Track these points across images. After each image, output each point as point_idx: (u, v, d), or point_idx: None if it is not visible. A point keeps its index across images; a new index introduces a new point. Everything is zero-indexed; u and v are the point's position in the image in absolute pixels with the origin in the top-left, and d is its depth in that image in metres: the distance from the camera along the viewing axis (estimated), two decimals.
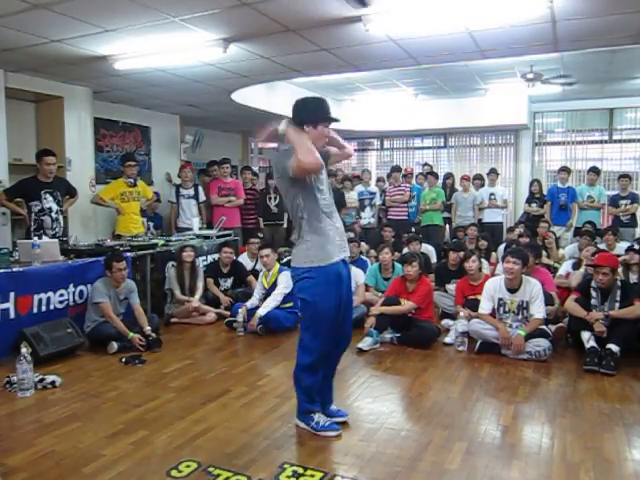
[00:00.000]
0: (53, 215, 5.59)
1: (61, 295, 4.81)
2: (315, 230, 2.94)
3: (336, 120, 2.99)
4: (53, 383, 3.81)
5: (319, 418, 3.04)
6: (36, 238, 5.01)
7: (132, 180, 6.53)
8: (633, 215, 7.68)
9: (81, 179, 6.47)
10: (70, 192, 5.90)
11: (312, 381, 3.04)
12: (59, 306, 4.79)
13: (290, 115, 2.93)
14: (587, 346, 4.22)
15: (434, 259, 6.96)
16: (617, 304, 4.38)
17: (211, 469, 2.64)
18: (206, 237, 6.77)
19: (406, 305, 4.85)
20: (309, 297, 2.95)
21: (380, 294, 5.43)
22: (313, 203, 2.93)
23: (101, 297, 4.74)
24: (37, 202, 5.48)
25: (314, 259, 2.92)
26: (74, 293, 4.93)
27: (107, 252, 5.17)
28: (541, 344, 4.34)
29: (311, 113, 2.91)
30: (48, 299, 4.70)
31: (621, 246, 6.23)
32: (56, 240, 5.22)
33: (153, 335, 4.75)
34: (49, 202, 5.56)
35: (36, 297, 4.60)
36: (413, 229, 8.38)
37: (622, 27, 4.58)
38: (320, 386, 3.10)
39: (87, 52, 5.13)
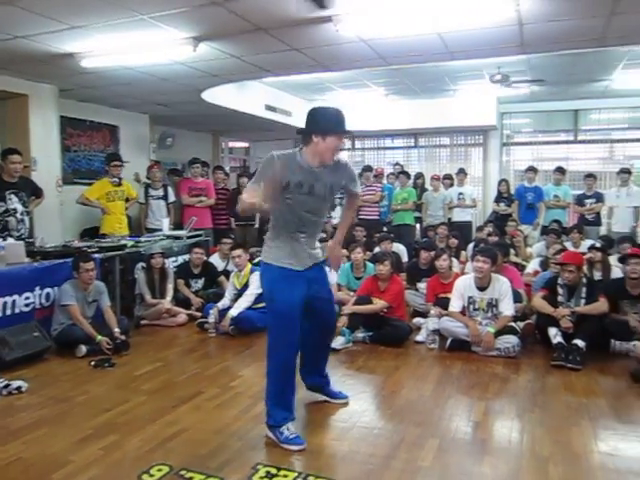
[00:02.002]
0: (18, 216, 5.44)
1: (27, 298, 4.69)
2: (277, 237, 2.99)
3: (348, 133, 2.92)
4: (19, 389, 3.71)
5: (284, 429, 2.90)
6: (1, 240, 4.89)
7: (117, 180, 6.66)
8: (598, 214, 7.88)
9: (47, 179, 6.34)
10: (36, 193, 5.76)
11: (275, 389, 2.97)
12: (25, 309, 4.67)
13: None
14: (554, 342, 4.31)
15: (405, 258, 7.01)
16: (583, 300, 4.48)
17: (183, 472, 2.61)
18: (176, 238, 6.69)
19: (378, 304, 4.88)
20: (266, 286, 3.04)
21: (352, 293, 5.45)
22: (278, 212, 2.93)
23: (69, 299, 4.66)
24: (2, 203, 5.33)
25: (272, 257, 3.00)
26: (40, 296, 4.81)
27: (74, 253, 5.07)
28: (510, 341, 4.42)
29: (321, 124, 2.81)
30: (13, 302, 4.57)
31: (586, 244, 6.37)
32: (21, 242, 5.09)
33: (121, 338, 4.68)
34: (14, 203, 5.41)
35: (1, 300, 4.47)
36: (385, 229, 8.42)
37: (586, 30, 4.70)
38: (288, 398, 3.01)
39: (53, 49, 5.03)
